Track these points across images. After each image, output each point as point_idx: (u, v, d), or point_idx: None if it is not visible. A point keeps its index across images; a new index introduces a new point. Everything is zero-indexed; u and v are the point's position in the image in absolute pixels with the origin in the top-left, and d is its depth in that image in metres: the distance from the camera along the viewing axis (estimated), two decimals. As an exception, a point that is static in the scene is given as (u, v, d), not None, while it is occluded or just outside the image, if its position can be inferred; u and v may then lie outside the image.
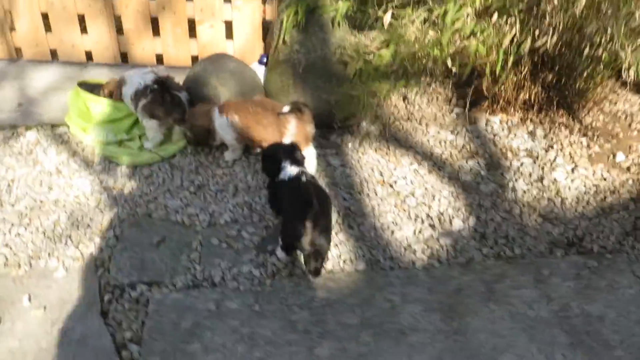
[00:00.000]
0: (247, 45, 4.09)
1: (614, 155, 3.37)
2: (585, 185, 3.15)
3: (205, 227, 2.80)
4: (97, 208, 2.91)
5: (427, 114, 3.65)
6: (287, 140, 3.00)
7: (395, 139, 3.46)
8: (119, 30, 4.11)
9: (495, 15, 2.87)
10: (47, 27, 4.09)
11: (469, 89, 3.51)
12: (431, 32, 2.92)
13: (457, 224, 2.88)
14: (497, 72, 3.16)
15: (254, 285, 2.50)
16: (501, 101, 3.62)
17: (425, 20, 2.98)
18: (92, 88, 3.56)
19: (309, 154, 3.04)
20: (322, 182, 3.07)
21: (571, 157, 3.35)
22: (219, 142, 3.23)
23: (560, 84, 3.52)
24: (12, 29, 4.10)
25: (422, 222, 2.89)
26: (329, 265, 2.61)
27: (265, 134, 3.06)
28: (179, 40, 4.08)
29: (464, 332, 2.30)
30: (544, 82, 3.52)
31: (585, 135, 3.51)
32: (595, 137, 3.49)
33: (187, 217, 2.86)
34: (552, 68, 3.44)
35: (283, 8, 3.57)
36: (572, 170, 3.25)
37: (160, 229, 2.76)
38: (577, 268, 2.62)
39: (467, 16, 2.91)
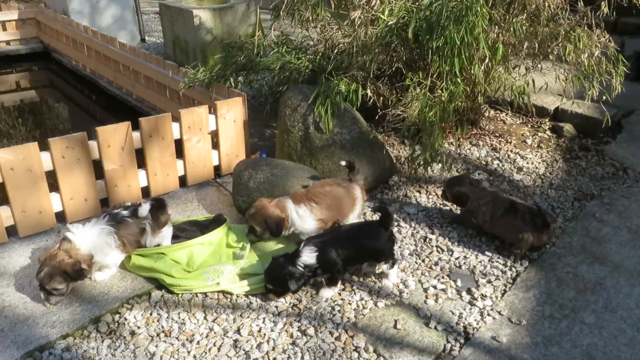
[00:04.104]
0: (232, 150, 4.09)
1: (525, 141, 4.85)
2: (536, 162, 4.49)
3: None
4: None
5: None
6: (359, 203, 3.38)
7: (420, 180, 4.14)
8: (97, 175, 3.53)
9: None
10: (1, 200, 3.21)
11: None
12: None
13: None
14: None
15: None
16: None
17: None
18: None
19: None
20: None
21: (510, 150, 4.67)
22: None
23: (468, 114, 4.85)
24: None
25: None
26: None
27: (343, 208, 3.30)
28: (166, 165, 3.78)
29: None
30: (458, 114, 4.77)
31: (497, 136, 4.91)
32: (502, 135, 4.92)
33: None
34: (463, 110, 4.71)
35: (286, 100, 3.85)
36: (521, 157, 4.56)
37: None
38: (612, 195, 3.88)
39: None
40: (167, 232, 3.15)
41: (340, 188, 3.33)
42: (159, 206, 3.07)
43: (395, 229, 3.55)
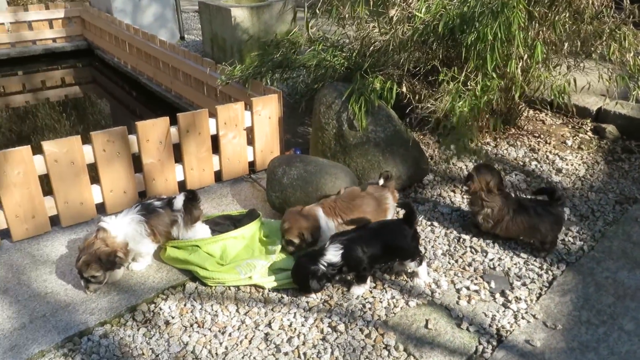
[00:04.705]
0: (266, 146, 4.13)
1: (565, 142, 4.73)
2: (576, 163, 4.37)
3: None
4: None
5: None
6: (390, 212, 3.35)
7: (454, 179, 4.09)
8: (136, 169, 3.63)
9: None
10: (45, 191, 3.33)
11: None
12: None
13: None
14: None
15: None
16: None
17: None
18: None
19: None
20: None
21: (549, 151, 4.56)
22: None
23: (504, 112, 4.75)
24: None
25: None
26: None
27: (371, 217, 3.22)
28: (202, 160, 3.84)
29: None
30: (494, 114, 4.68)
31: (535, 136, 4.80)
32: (541, 136, 4.81)
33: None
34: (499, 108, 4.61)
35: (320, 98, 3.86)
36: (561, 158, 4.45)
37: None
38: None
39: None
40: (201, 227, 3.20)
41: (371, 200, 3.26)
42: (192, 198, 3.13)
43: (428, 229, 3.52)
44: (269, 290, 2.97)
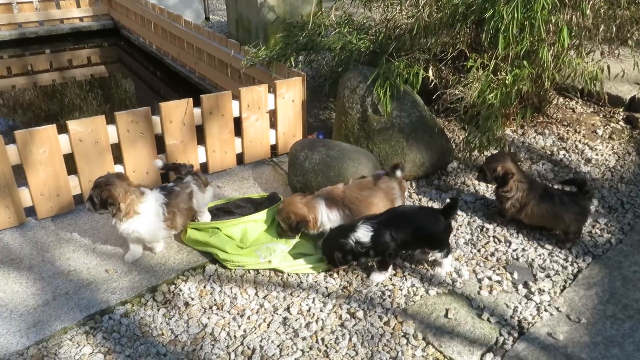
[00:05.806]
0: (289, 130, 4.10)
1: (595, 131, 4.59)
2: (607, 153, 4.24)
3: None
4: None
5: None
6: (398, 202, 3.23)
7: (476, 167, 4.01)
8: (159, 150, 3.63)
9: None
10: (70, 170, 3.36)
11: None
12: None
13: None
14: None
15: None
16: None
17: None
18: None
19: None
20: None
21: (579, 140, 4.43)
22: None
23: (532, 99, 4.62)
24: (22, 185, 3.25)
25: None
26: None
27: (379, 209, 3.11)
28: (225, 143, 3.84)
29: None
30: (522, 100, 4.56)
31: (565, 125, 4.67)
32: (571, 124, 4.68)
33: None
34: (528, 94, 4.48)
35: (345, 82, 3.80)
36: (590, 148, 4.33)
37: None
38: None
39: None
40: (209, 191, 3.23)
41: (379, 191, 3.16)
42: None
43: (451, 217, 3.46)
44: (288, 275, 2.96)
